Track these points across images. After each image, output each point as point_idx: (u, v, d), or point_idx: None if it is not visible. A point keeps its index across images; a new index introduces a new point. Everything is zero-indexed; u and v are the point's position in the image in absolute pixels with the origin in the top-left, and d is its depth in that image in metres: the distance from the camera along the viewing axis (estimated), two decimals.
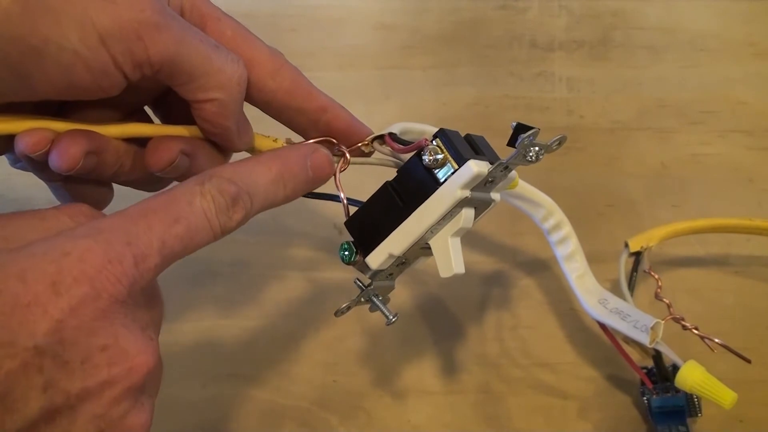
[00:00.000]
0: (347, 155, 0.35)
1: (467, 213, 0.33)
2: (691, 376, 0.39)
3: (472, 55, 0.57)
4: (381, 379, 0.46)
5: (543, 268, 0.50)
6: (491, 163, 0.32)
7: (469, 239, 0.36)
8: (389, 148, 0.35)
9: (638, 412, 0.45)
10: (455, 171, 0.32)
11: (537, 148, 0.31)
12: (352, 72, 0.56)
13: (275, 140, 0.35)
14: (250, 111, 0.34)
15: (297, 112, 0.34)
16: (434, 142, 0.32)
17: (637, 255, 0.45)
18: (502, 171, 0.33)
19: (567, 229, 0.43)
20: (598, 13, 0.58)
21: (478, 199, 0.33)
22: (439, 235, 0.33)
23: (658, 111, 0.55)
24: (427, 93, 0.56)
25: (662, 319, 0.40)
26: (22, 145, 0.30)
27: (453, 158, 0.32)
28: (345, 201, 0.34)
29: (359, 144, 0.35)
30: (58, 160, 0.30)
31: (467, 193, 0.32)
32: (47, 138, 0.30)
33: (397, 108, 0.55)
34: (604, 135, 0.54)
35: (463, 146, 0.32)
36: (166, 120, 0.36)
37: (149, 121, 0.36)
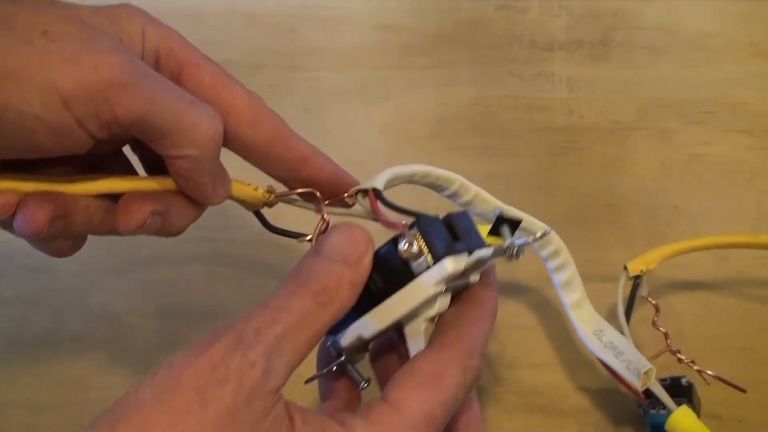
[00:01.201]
0: (325, 215, 0.34)
1: (443, 300, 0.32)
2: (681, 424, 0.39)
3: (472, 55, 0.57)
4: None
5: (541, 269, 0.49)
6: (470, 253, 0.31)
7: None
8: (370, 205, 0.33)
9: (638, 415, 0.45)
10: (430, 267, 0.30)
11: (519, 247, 0.30)
12: (352, 72, 0.56)
13: (255, 189, 0.34)
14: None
15: (277, 162, 0.33)
16: (411, 231, 0.30)
17: (636, 278, 0.44)
18: (480, 265, 0.32)
19: (564, 255, 0.41)
20: (598, 13, 0.58)
21: (454, 286, 0.32)
22: (413, 322, 0.32)
23: (658, 111, 0.55)
24: (427, 93, 0.56)
25: (656, 355, 0.40)
26: None
27: (429, 251, 0.30)
28: None
29: (344, 195, 0.34)
30: (23, 227, 0.29)
31: (441, 287, 0.30)
32: (11, 203, 0.29)
33: (397, 108, 0.55)
34: (604, 135, 0.54)
35: (440, 236, 0.30)
36: (145, 159, 0.35)
37: (126, 161, 0.35)
